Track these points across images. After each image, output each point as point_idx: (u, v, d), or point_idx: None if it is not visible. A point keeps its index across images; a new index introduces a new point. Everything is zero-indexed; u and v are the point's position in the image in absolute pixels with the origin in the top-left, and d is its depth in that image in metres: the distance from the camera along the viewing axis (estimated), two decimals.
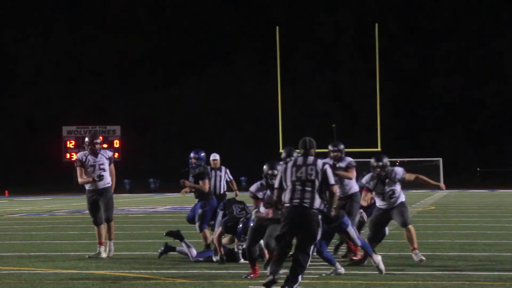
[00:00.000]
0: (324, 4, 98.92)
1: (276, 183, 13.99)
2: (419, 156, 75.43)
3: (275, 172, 15.77)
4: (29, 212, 42.77)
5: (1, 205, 52.43)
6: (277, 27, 70.09)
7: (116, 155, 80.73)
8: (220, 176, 23.70)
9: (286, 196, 13.71)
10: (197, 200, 20.42)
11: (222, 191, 23.81)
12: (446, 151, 78.73)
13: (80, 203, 53.40)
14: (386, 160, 16.88)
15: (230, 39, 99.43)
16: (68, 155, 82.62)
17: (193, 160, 20.61)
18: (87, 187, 19.59)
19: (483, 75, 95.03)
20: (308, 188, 13.55)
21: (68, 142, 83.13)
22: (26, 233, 29.48)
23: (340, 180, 17.97)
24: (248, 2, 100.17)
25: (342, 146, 19.25)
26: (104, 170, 19.49)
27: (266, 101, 79.30)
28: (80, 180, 19.53)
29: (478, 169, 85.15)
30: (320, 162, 14.22)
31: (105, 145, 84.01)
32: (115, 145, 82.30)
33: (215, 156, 24.02)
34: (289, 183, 13.68)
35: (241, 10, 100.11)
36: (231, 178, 23.93)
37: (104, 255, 19.20)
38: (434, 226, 30.03)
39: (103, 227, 19.59)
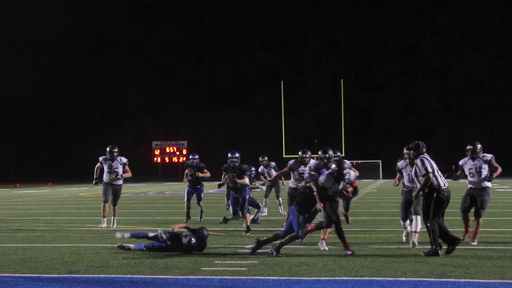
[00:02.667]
0: (310, 67, 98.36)
1: (429, 168, 11.70)
2: (367, 159, 75.86)
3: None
4: (133, 193, 41.90)
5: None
6: (282, 81, 74.51)
7: (184, 158, 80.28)
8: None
9: (440, 181, 11.77)
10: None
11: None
12: (384, 156, 76.99)
13: (163, 187, 53.83)
14: (330, 152, 13.44)
15: (254, 88, 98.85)
16: (155, 159, 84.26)
17: (235, 160, 16.84)
18: (105, 180, 17.90)
19: (406, 110, 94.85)
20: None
21: (155, 151, 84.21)
22: (134, 205, 29.78)
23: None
24: (263, 65, 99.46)
25: (339, 153, 15.91)
26: (117, 173, 17.86)
27: (275, 125, 78.53)
28: (95, 173, 18.23)
29: None
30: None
31: (177, 152, 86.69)
32: (183, 152, 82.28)
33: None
34: (436, 172, 11.81)
35: (260, 70, 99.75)
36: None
37: (104, 226, 17.45)
38: (376, 201, 29.49)
39: (107, 206, 17.78)
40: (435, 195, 11.77)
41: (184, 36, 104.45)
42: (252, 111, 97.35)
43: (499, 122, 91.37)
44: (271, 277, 9.60)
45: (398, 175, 14.25)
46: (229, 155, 17.09)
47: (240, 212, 16.81)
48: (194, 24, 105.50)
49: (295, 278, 9.54)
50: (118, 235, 12.72)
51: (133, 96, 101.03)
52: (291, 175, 15.46)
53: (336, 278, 9.53)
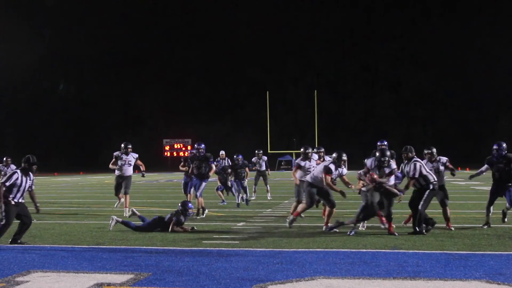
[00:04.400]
0: (290, 81, 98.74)
1: (417, 174, 11.45)
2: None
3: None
4: (147, 180, 41.23)
5: (134, 177, 52.34)
6: (267, 92, 75.25)
7: (187, 154, 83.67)
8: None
9: (432, 177, 11.56)
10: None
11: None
12: (348, 152, 75.98)
13: (171, 176, 52.89)
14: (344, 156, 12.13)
15: (245, 97, 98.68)
16: (165, 153, 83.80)
17: (201, 150, 15.48)
18: (116, 173, 16.36)
19: (366, 115, 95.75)
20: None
21: (165, 147, 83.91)
22: (148, 190, 30.16)
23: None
24: (253, 79, 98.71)
25: (322, 149, 15.21)
26: (130, 165, 16.21)
27: (262, 127, 76.30)
28: (110, 166, 16.37)
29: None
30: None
31: (183, 148, 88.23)
32: (188, 148, 78.93)
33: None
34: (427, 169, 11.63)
35: (250, 83, 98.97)
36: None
37: (118, 204, 16.50)
38: (343, 187, 30.37)
39: (120, 197, 16.29)
40: (430, 187, 11.55)
41: (189, 55, 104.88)
42: (243, 115, 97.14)
43: (438, 125, 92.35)
44: (258, 249, 9.60)
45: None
46: (195, 146, 15.93)
47: (196, 194, 15.28)
48: (198, 46, 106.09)
49: (278, 249, 9.54)
50: (111, 227, 12.13)
51: (148, 103, 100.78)
52: (298, 170, 13.66)
53: (311, 249, 9.53)
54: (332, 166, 11.96)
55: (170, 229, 11.91)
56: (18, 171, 10.34)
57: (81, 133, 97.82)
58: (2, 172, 19.62)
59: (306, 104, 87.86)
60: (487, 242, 10.17)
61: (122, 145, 16.53)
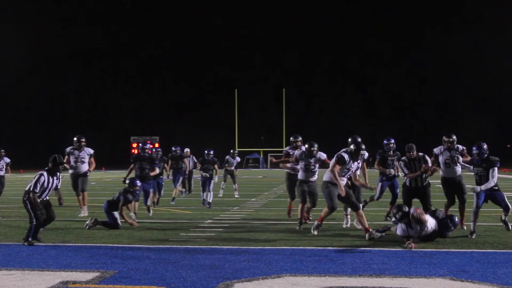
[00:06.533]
0: (259, 79, 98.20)
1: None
2: None
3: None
4: (114, 178, 41.35)
5: (101, 175, 49.94)
6: (236, 90, 75.98)
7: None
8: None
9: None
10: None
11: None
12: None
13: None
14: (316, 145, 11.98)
15: (213, 95, 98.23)
16: (132, 150, 79.30)
17: (146, 150, 14.59)
18: (70, 171, 15.19)
19: (335, 114, 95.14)
20: None
21: (133, 144, 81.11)
22: (115, 188, 32.92)
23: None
24: (221, 77, 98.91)
25: (300, 138, 13.71)
26: (83, 162, 15.15)
27: (230, 125, 78.67)
28: (66, 164, 14.22)
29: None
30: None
31: (151, 146, 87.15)
32: (155, 146, 74.17)
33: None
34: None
35: (218, 81, 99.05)
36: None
37: (83, 214, 14.70)
38: None
39: (81, 197, 15.07)
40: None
41: (158, 53, 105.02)
42: (212, 113, 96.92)
43: (405, 124, 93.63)
44: (225, 246, 9.63)
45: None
46: (140, 145, 15.09)
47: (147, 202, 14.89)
48: (166, 44, 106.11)
49: (244, 247, 9.56)
50: (87, 226, 12.10)
51: (116, 100, 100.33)
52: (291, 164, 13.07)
53: (277, 247, 9.56)
54: (346, 155, 10.67)
55: (119, 211, 12.15)
56: (45, 172, 10.40)
57: (47, 130, 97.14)
58: None
59: (274, 102, 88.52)
60: (451, 240, 10.27)
61: (75, 139, 15.51)
